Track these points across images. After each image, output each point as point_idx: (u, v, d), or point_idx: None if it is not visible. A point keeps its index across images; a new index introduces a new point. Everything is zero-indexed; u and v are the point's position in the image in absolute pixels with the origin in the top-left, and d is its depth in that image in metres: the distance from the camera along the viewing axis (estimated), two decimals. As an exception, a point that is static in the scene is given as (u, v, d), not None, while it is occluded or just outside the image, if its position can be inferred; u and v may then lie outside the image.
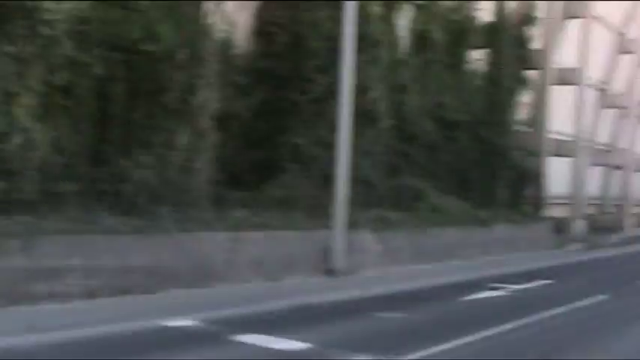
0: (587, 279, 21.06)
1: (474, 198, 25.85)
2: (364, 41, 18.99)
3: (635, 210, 45.38)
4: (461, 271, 19.91)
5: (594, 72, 38.62)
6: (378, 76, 21.62)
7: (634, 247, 32.90)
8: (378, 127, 21.68)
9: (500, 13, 29.28)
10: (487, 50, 28.91)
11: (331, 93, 18.28)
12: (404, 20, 24.76)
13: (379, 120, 21.71)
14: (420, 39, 25.48)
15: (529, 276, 19.39)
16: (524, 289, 17.23)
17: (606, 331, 12.50)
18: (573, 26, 35.05)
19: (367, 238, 19.20)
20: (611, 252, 30.33)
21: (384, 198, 21.58)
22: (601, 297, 16.10)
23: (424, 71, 25.16)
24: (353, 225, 17.81)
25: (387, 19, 23.26)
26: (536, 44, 30.98)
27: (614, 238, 35.08)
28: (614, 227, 39.39)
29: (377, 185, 21.62)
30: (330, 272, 17.21)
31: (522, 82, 30.09)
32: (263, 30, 20.67)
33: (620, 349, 11.12)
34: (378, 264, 18.95)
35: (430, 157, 24.98)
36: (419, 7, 25.46)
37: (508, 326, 12.03)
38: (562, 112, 33.47)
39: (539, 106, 31.90)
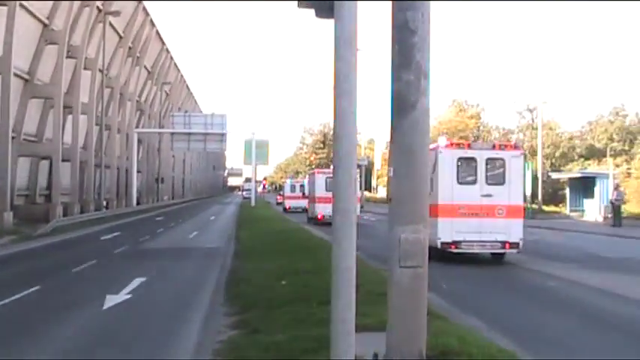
0: (20, 271, 20.73)
1: None
2: None
3: (63, 199, 46.17)
4: None
5: (20, 61, 38.22)
6: None
7: (65, 236, 33.46)
8: None
9: None
10: None
11: None
12: None
13: None
14: None
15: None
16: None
17: (45, 320, 12.45)
18: (-1, 13, 34.17)
19: None
20: (43, 242, 30.29)
21: None
22: (36, 288, 15.92)
23: None
24: None
25: None
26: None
27: (45, 227, 35.17)
28: (45, 217, 39.55)
29: None
30: None
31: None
32: None
33: (63, 335, 11.27)
34: None
35: None
36: None
37: None
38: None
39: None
